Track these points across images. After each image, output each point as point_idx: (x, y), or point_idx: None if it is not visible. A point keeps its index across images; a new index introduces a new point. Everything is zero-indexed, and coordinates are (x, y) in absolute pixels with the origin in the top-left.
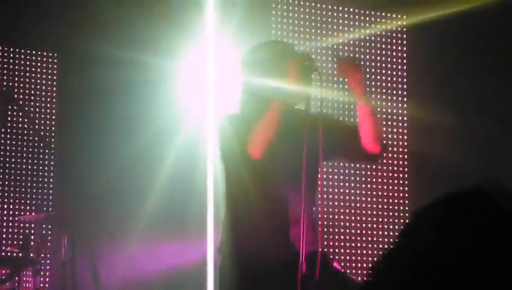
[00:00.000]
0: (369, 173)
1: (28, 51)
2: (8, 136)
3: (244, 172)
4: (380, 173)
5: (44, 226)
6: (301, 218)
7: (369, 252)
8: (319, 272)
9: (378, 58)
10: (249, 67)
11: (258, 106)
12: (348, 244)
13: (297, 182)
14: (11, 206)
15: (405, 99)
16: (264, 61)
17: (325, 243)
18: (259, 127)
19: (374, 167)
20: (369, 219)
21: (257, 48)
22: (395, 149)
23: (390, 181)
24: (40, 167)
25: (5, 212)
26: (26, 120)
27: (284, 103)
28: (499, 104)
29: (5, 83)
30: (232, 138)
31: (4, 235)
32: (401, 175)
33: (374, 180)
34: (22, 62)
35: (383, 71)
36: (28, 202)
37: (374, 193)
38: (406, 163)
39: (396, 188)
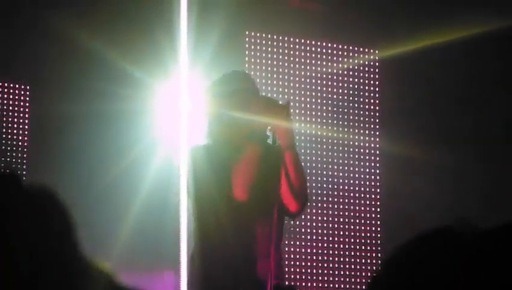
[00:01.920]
0: (341, 207)
1: (0, 83)
2: None
3: (218, 208)
4: (352, 207)
5: None
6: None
7: (344, 280)
8: None
9: (351, 92)
10: (218, 99)
11: (231, 140)
12: (315, 278)
13: (267, 217)
14: None
15: (377, 133)
16: (233, 93)
17: (296, 276)
18: (241, 169)
19: (346, 200)
20: (338, 254)
21: (226, 80)
22: (367, 183)
23: (362, 215)
24: None
25: None
26: None
27: (260, 144)
28: (473, 137)
29: None
30: (206, 173)
31: None
32: (373, 209)
33: (346, 213)
34: None
35: (355, 105)
36: None
37: (346, 226)
38: (378, 197)
39: (368, 222)
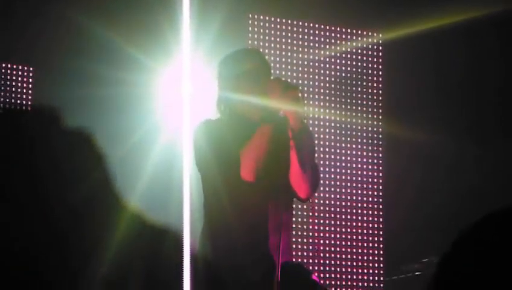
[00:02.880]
0: (343, 190)
1: (3, 64)
2: None
3: (223, 188)
4: (355, 191)
5: None
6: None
7: (346, 263)
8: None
9: (354, 75)
10: (231, 78)
11: (241, 119)
12: (324, 255)
13: (275, 199)
14: None
15: (380, 116)
16: (242, 75)
17: (304, 253)
18: (251, 149)
19: (349, 184)
20: (344, 231)
21: (239, 58)
22: (370, 167)
23: (365, 199)
24: None
25: None
26: None
27: (270, 125)
28: (473, 122)
29: None
30: (209, 153)
31: None
32: (375, 193)
33: (349, 197)
34: None
35: (358, 88)
36: None
37: (349, 210)
38: (380, 181)
39: (370, 206)
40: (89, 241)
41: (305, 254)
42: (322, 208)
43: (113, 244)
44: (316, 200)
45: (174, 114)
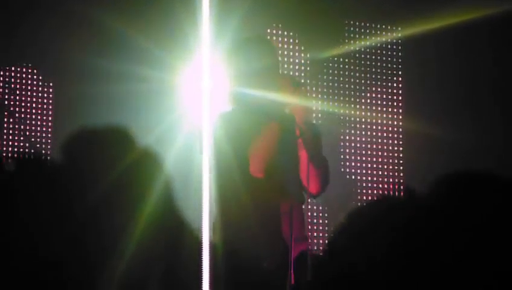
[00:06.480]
0: (364, 184)
1: (24, 64)
2: (4, 148)
3: (239, 182)
4: (375, 186)
5: None
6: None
7: None
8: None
9: (373, 69)
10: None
11: (251, 116)
12: None
13: (287, 192)
14: None
15: (400, 111)
16: (262, 71)
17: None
18: (260, 146)
19: (369, 178)
20: None
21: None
22: (390, 161)
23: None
24: None
25: None
26: (22, 133)
27: (278, 122)
28: (494, 117)
29: (0, 96)
30: (227, 147)
31: None
32: (396, 187)
33: (370, 192)
34: (18, 75)
35: (378, 83)
36: None
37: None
38: (401, 175)
39: None
40: (108, 239)
41: (320, 248)
42: (341, 205)
43: (133, 243)
44: (337, 198)
45: (194, 110)
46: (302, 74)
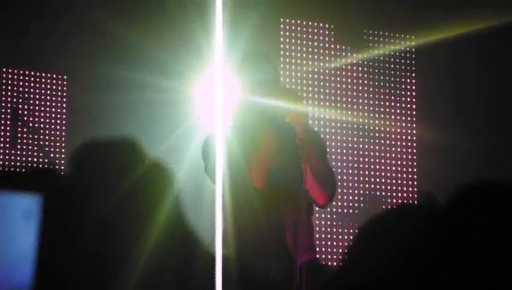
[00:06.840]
0: (377, 193)
1: (38, 73)
2: (18, 157)
3: (251, 190)
4: (388, 194)
5: None
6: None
7: None
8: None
9: (387, 78)
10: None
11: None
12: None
13: (291, 203)
14: None
15: (414, 120)
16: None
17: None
18: (257, 157)
19: (383, 187)
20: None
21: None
22: (404, 169)
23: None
24: None
25: None
26: (36, 142)
27: (279, 132)
28: (508, 125)
29: (14, 105)
30: (239, 158)
31: None
32: (410, 195)
33: (383, 200)
34: (32, 84)
35: (392, 91)
36: None
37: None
38: (415, 184)
39: None
40: (119, 251)
41: (333, 257)
42: (355, 211)
43: (144, 254)
44: (350, 204)
45: (207, 119)
46: (316, 83)
